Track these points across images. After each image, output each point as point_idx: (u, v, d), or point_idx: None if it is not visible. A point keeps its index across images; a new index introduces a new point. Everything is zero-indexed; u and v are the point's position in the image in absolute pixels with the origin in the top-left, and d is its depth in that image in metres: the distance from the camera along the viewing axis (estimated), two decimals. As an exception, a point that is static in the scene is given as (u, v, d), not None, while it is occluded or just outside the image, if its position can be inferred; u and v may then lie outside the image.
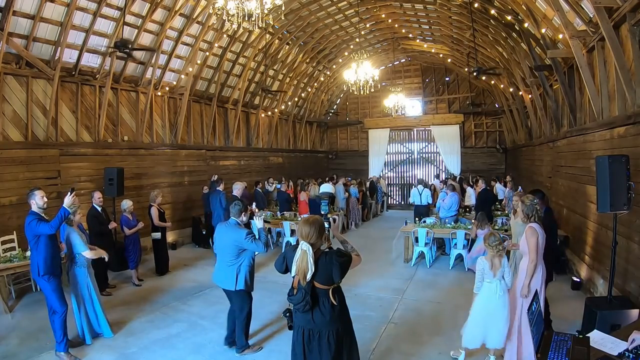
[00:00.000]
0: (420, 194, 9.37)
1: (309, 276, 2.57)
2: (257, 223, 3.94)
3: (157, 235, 6.67)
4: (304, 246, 2.60)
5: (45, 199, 3.97)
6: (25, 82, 6.53)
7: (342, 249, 2.84)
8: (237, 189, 6.74)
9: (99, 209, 5.97)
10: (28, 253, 5.26)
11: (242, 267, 3.88)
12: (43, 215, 3.89)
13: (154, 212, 6.61)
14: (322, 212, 3.51)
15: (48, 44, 6.62)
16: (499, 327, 3.49)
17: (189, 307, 5.32)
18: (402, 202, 15.88)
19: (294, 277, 2.68)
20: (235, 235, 3.83)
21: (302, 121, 15.28)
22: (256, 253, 4.02)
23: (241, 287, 3.87)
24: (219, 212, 7.09)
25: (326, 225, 2.87)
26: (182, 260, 7.52)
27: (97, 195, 6.01)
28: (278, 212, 9.54)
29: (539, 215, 3.63)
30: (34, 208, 3.86)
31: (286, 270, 2.76)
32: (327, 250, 2.72)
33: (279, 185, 10.64)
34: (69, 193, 3.89)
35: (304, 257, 2.58)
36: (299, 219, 8.54)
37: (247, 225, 4.04)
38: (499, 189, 10.04)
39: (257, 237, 3.83)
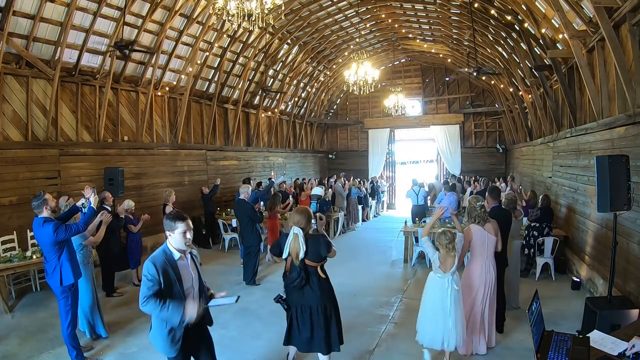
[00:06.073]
0: (417, 194, 9.36)
1: (301, 254, 3.03)
2: (92, 200, 3.74)
3: None
4: (296, 230, 3.08)
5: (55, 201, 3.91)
6: (25, 82, 6.53)
7: None
8: (244, 192, 6.52)
9: (109, 209, 5.95)
10: (28, 253, 5.30)
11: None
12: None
13: (168, 210, 6.67)
14: (312, 210, 3.70)
15: (48, 44, 6.61)
16: (458, 327, 3.43)
17: (189, 307, 5.30)
18: (402, 202, 15.87)
19: (286, 259, 3.14)
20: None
21: (302, 121, 15.28)
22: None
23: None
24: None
25: (313, 222, 3.27)
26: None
27: (107, 195, 6.01)
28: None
29: (482, 217, 3.82)
30: (46, 213, 3.59)
31: (280, 253, 3.19)
32: (314, 233, 3.23)
33: (280, 179, 10.55)
34: (92, 192, 3.83)
35: (296, 239, 3.06)
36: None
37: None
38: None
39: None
